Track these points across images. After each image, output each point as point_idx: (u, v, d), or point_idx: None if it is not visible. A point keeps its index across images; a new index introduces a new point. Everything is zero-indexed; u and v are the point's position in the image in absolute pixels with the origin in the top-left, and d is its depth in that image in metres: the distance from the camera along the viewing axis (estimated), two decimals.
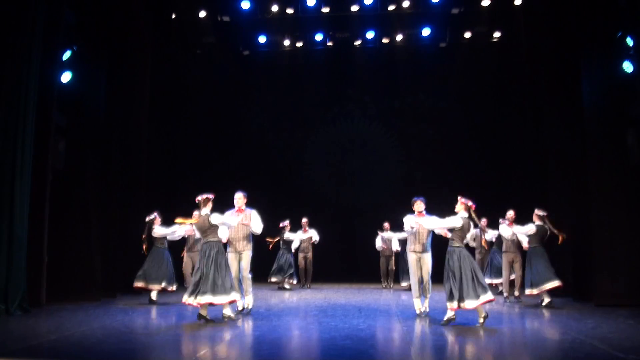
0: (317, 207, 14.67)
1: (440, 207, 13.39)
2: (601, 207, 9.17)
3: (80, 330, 6.50)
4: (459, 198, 7.40)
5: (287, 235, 12.42)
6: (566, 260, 10.20)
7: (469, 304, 6.89)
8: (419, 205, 7.98)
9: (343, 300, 9.98)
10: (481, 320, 7.01)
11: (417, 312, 7.98)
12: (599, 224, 9.17)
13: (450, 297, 6.98)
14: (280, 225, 12.35)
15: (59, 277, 9.38)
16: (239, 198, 7.95)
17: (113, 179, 10.87)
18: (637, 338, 6.09)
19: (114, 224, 10.77)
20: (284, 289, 12.16)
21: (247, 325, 7.11)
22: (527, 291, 9.04)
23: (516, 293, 9.84)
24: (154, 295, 9.35)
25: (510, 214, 9.91)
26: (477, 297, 6.90)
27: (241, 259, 7.96)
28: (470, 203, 7.29)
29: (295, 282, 12.41)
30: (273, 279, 12.26)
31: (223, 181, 15.30)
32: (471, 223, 7.29)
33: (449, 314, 7.08)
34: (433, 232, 7.88)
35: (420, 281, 8.02)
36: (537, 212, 9.19)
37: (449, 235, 7.26)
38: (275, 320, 7.48)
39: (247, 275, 7.98)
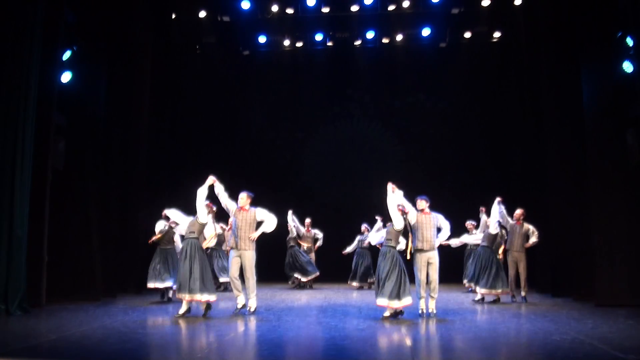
0: (316, 206, 14.65)
1: (440, 206, 13.47)
2: (601, 207, 9.17)
3: (80, 330, 6.50)
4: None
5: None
6: (566, 260, 10.21)
7: (387, 302, 7.36)
8: (420, 203, 7.96)
9: (343, 300, 9.98)
10: (387, 314, 7.48)
11: (420, 312, 7.83)
12: (599, 223, 9.17)
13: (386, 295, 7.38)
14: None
15: (59, 277, 9.38)
16: (242, 198, 7.99)
17: (113, 179, 10.87)
18: (637, 338, 6.09)
19: (114, 224, 10.77)
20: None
21: (247, 325, 7.11)
22: (466, 283, 10.04)
23: (523, 293, 9.76)
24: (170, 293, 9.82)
25: (518, 212, 9.87)
26: (400, 299, 7.34)
27: (244, 259, 7.89)
28: (402, 207, 7.71)
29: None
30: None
31: (223, 181, 15.32)
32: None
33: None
34: (438, 228, 7.93)
35: (427, 281, 7.85)
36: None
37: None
38: (275, 320, 7.47)
39: (251, 276, 7.91)
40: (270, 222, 7.96)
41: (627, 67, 9.21)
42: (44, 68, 8.59)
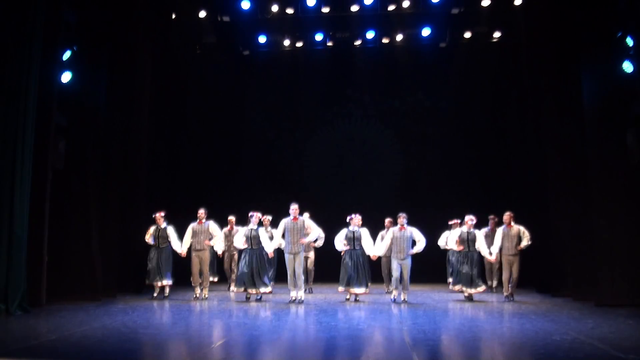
0: (316, 206, 14.62)
1: (439, 206, 13.52)
2: (601, 207, 9.16)
3: (80, 330, 6.51)
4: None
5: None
6: (566, 260, 10.21)
7: (357, 290, 9.56)
8: (400, 220, 9.82)
9: (343, 300, 9.98)
10: (348, 297, 9.76)
11: (393, 297, 9.70)
12: (599, 223, 9.17)
13: (342, 283, 9.70)
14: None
15: (59, 277, 9.38)
16: (294, 209, 9.64)
17: (113, 179, 10.87)
18: (637, 338, 6.09)
19: (114, 224, 10.77)
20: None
21: (247, 325, 7.11)
22: (452, 287, 10.23)
23: (509, 291, 9.89)
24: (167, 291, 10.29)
25: (507, 215, 10.01)
26: (363, 287, 9.60)
27: (296, 260, 9.49)
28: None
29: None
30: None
31: (223, 181, 15.33)
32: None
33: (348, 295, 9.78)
34: (413, 240, 9.67)
35: (400, 280, 9.65)
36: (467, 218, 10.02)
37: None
38: (275, 321, 7.48)
39: (300, 273, 9.52)
40: (314, 233, 9.87)
41: (627, 67, 9.20)
42: (44, 68, 8.59)
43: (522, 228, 9.91)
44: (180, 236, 10.28)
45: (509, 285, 9.94)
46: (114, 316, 7.79)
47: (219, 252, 11.30)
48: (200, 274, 10.25)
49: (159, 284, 10.09)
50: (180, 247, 10.10)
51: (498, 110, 14.77)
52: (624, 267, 8.89)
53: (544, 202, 11.11)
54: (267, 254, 10.02)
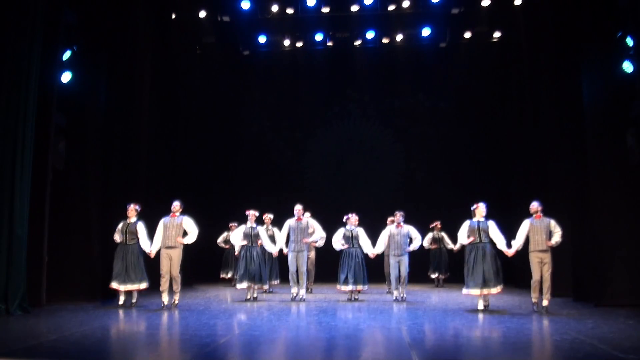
0: (316, 206, 14.63)
1: (439, 206, 13.49)
2: (601, 207, 9.17)
3: (80, 330, 6.50)
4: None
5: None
6: (566, 260, 10.21)
7: (355, 287, 9.88)
8: (396, 218, 10.03)
9: (343, 300, 9.99)
10: (349, 297, 10.06)
11: (394, 297, 9.94)
12: (599, 223, 9.17)
13: (341, 281, 9.98)
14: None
15: (59, 277, 9.37)
16: (298, 210, 10.00)
17: (113, 179, 10.86)
18: (637, 338, 6.08)
19: (114, 224, 10.75)
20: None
21: (247, 326, 7.11)
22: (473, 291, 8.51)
23: (544, 302, 8.18)
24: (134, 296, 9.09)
25: (534, 205, 8.53)
26: (361, 284, 9.90)
27: (299, 258, 9.79)
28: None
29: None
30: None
31: (222, 181, 15.34)
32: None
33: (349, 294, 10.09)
34: (409, 239, 9.91)
35: (398, 278, 9.91)
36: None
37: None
38: (275, 321, 7.48)
39: (303, 271, 9.82)
40: (317, 233, 10.12)
41: (627, 67, 9.22)
42: (44, 68, 8.59)
43: (553, 221, 8.31)
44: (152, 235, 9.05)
45: (540, 292, 8.24)
46: (114, 316, 7.79)
47: (236, 251, 10.82)
48: (171, 281, 8.72)
49: (125, 288, 8.81)
50: (149, 245, 8.83)
51: (498, 110, 14.79)
52: (624, 267, 8.90)
53: (543, 202, 11.08)
54: (269, 253, 10.31)
